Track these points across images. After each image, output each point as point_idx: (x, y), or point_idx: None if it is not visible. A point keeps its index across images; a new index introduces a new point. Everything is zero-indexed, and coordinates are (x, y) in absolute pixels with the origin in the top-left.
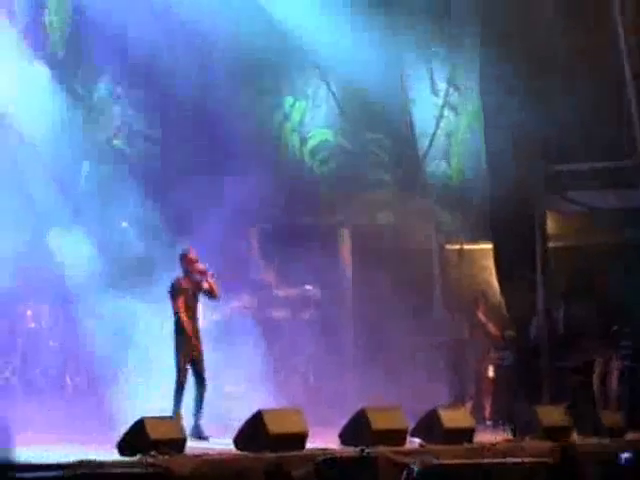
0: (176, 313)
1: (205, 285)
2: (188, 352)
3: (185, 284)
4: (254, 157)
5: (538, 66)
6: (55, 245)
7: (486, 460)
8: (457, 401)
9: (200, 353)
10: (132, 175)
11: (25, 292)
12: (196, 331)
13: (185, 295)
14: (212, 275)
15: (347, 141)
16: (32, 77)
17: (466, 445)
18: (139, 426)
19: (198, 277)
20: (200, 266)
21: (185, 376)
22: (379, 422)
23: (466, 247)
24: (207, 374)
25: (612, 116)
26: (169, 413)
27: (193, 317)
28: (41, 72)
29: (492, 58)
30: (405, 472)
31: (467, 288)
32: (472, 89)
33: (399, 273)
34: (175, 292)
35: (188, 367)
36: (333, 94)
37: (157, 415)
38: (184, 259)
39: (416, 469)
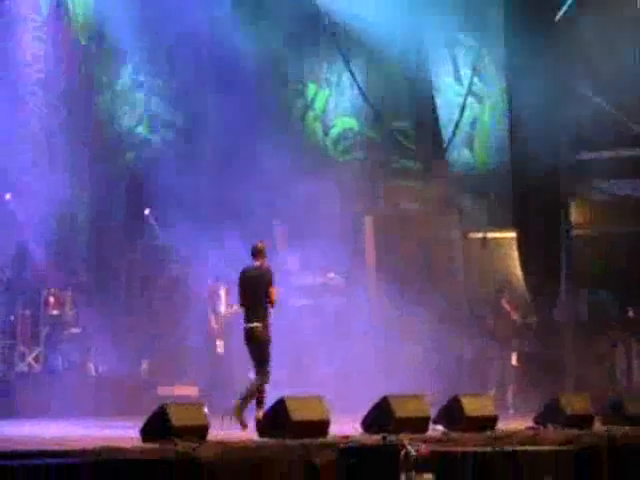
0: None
1: None
2: None
3: None
4: (277, 145)
5: (564, 53)
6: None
7: (509, 448)
8: (480, 388)
9: None
10: (156, 162)
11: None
12: None
13: None
14: None
15: (371, 129)
16: None
17: (489, 433)
18: (162, 413)
19: None
20: None
21: None
22: (402, 410)
23: (489, 235)
24: (231, 363)
25: (635, 105)
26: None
27: None
28: None
29: (518, 45)
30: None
31: (491, 276)
32: (496, 76)
33: (422, 261)
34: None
35: None
36: (357, 83)
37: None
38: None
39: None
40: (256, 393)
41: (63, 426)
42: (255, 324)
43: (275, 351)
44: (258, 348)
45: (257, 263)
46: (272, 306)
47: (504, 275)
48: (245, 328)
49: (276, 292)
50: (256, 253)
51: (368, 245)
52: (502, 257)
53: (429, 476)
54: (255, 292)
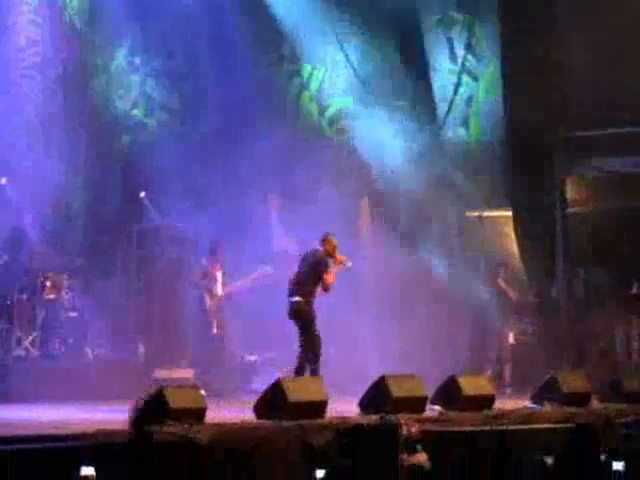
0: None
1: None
2: None
3: None
4: (272, 125)
5: (558, 30)
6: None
7: (505, 427)
8: (477, 368)
9: None
10: (152, 145)
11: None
12: None
13: None
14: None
15: (366, 109)
16: None
17: (486, 412)
18: (158, 395)
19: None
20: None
21: None
22: (399, 390)
23: (486, 214)
24: (227, 345)
25: (634, 82)
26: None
27: None
28: None
29: (512, 22)
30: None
31: (487, 255)
32: (490, 54)
33: (418, 240)
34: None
35: None
36: (351, 63)
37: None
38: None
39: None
40: (304, 364)
41: (61, 410)
42: (296, 298)
43: (274, 332)
44: (299, 320)
45: (318, 248)
46: (323, 290)
47: (501, 253)
48: (289, 302)
49: (329, 279)
50: (320, 239)
51: (364, 225)
52: (499, 235)
53: (423, 456)
54: (301, 271)
